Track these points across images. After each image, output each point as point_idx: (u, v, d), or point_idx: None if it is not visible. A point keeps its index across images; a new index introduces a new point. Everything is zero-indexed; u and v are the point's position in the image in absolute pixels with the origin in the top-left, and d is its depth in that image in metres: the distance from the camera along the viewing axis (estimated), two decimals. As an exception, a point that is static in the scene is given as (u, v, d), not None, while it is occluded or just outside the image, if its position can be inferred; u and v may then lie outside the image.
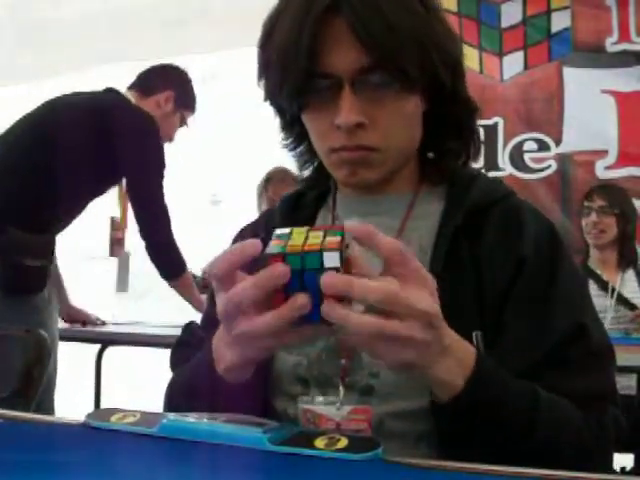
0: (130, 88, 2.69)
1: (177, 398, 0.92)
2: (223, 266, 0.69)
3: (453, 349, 0.73)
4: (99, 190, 2.62)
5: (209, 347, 0.81)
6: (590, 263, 3.07)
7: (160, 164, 2.59)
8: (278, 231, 0.70)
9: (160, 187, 2.58)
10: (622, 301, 2.93)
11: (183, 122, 2.79)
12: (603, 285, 2.97)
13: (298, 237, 0.68)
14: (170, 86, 2.70)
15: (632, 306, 2.92)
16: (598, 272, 3.02)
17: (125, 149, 2.45)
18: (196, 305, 2.77)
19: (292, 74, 0.87)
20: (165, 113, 2.68)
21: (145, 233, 2.61)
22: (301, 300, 0.66)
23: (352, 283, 0.65)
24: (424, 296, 0.67)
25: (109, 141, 2.40)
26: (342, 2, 0.84)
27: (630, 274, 3.03)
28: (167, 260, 2.67)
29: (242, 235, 1.07)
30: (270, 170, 3.41)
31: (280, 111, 0.98)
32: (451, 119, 0.97)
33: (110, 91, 2.62)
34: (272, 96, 0.94)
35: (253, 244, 0.69)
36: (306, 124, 0.94)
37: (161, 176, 2.59)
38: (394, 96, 0.88)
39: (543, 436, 0.77)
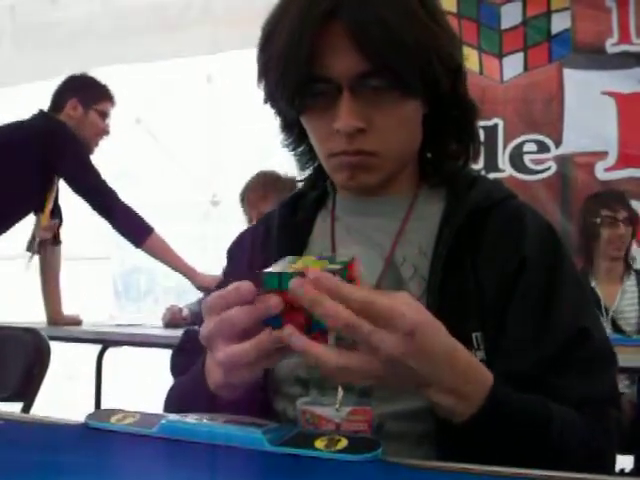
0: (48, 112, 3.01)
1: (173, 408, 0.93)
2: (218, 302, 0.71)
3: (453, 386, 0.72)
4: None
5: (203, 360, 0.83)
6: (592, 277, 2.93)
7: (80, 153, 2.91)
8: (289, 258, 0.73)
9: (91, 171, 2.87)
10: (614, 324, 2.82)
11: (104, 115, 3.05)
12: (596, 303, 2.83)
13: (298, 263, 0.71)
14: (72, 94, 2.99)
15: (620, 331, 2.80)
16: (594, 288, 2.89)
17: (50, 158, 2.82)
18: (175, 264, 2.98)
19: (291, 78, 0.86)
20: (78, 119, 2.97)
21: (102, 210, 2.89)
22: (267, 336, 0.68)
23: (317, 302, 0.65)
24: (387, 336, 0.66)
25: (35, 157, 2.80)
26: (341, 7, 0.83)
27: (632, 281, 2.93)
28: (131, 224, 2.91)
29: (240, 241, 1.07)
30: (249, 181, 3.10)
31: (280, 113, 0.98)
32: (451, 121, 0.96)
33: (40, 116, 2.99)
34: (271, 99, 0.94)
35: (249, 289, 0.70)
36: (306, 127, 0.94)
37: (87, 163, 2.89)
38: (393, 101, 0.87)
39: (554, 449, 0.77)
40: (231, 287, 0.71)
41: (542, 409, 0.79)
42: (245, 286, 0.70)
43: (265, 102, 0.95)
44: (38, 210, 2.99)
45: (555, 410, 0.80)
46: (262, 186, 2.95)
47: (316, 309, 0.65)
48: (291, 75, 0.86)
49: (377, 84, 0.86)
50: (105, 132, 3.06)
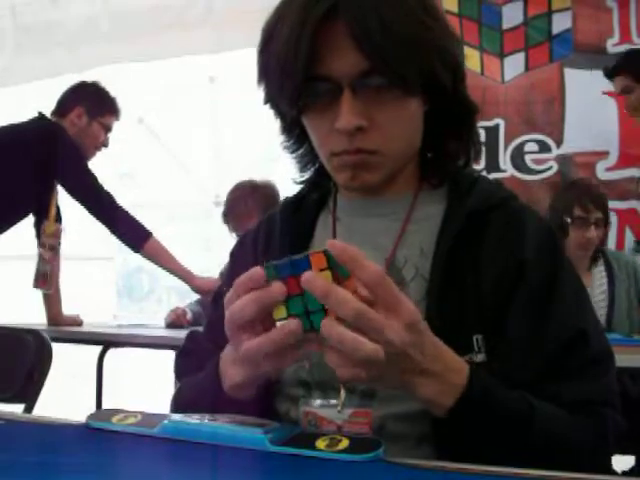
0: (51, 114, 2.98)
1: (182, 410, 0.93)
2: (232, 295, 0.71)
3: (437, 371, 0.73)
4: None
5: (216, 362, 0.83)
6: None
7: (77, 157, 2.87)
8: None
9: (88, 175, 2.85)
10: None
11: (107, 129, 3.04)
12: None
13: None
14: (79, 102, 2.98)
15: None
16: None
17: (46, 162, 2.79)
18: (173, 268, 2.94)
19: (291, 78, 0.86)
20: (81, 128, 2.96)
21: (99, 215, 2.86)
22: (292, 325, 0.68)
23: (330, 291, 0.65)
24: (394, 326, 0.68)
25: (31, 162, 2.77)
26: (340, 7, 0.83)
27: (599, 267, 2.85)
28: (129, 228, 2.89)
29: (243, 243, 1.07)
30: (228, 197, 3.09)
31: (280, 114, 0.98)
32: (451, 120, 0.96)
33: (38, 118, 2.95)
34: (272, 99, 0.94)
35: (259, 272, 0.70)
36: (306, 127, 0.94)
37: (84, 167, 2.87)
38: (394, 99, 0.87)
39: (537, 449, 0.77)
40: (243, 276, 0.71)
41: (523, 400, 0.80)
42: (256, 271, 0.70)
43: (265, 103, 0.95)
44: (41, 217, 2.96)
45: (537, 403, 0.80)
46: (243, 200, 2.97)
47: (328, 299, 0.66)
48: (291, 75, 0.86)
49: (378, 82, 0.86)
50: (104, 145, 3.04)
